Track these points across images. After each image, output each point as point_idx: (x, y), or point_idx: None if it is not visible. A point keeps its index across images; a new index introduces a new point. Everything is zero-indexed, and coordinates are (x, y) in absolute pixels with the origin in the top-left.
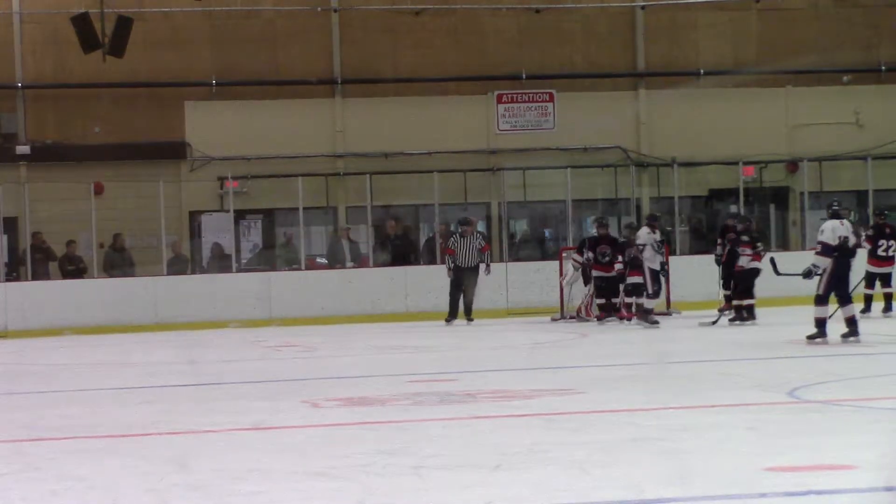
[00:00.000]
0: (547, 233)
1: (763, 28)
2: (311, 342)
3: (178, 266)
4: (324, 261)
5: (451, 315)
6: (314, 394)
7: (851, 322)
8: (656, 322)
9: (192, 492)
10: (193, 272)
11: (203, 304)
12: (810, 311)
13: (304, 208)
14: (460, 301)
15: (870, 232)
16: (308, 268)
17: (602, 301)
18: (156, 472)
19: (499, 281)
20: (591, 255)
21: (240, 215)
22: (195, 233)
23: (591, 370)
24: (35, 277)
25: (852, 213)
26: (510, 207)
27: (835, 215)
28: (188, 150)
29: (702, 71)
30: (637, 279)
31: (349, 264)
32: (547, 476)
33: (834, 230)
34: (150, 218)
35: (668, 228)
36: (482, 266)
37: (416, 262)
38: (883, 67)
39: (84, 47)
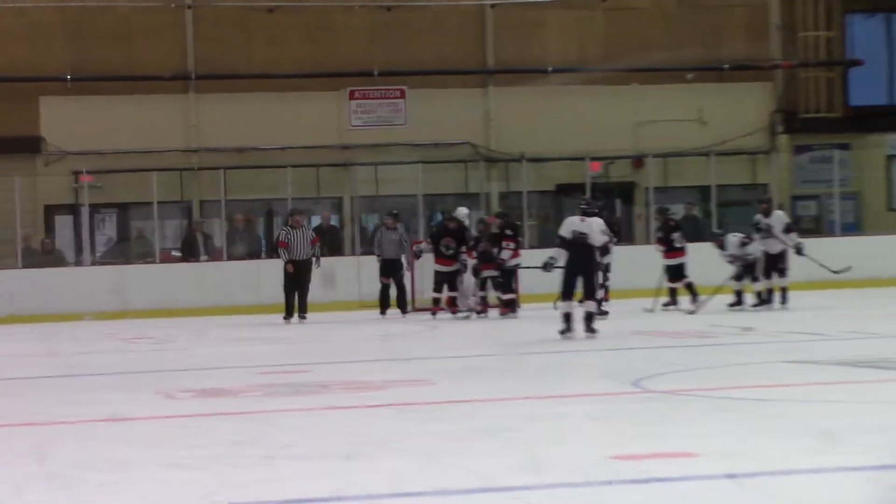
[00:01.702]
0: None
1: (609, 27)
2: (166, 334)
3: (32, 259)
4: (178, 254)
5: (288, 311)
6: (168, 385)
7: (589, 317)
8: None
9: (49, 482)
10: (50, 265)
11: (58, 296)
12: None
13: (159, 202)
14: (296, 297)
15: (660, 234)
16: (162, 261)
17: (439, 295)
18: (13, 463)
19: (351, 273)
20: (430, 245)
21: (94, 209)
22: (50, 227)
23: (441, 361)
24: None
25: (696, 207)
26: (362, 202)
27: (583, 213)
28: (43, 144)
29: (550, 69)
30: (492, 272)
31: (203, 257)
32: (398, 465)
33: (570, 224)
34: (4, 212)
35: (518, 223)
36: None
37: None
38: (725, 66)
39: None
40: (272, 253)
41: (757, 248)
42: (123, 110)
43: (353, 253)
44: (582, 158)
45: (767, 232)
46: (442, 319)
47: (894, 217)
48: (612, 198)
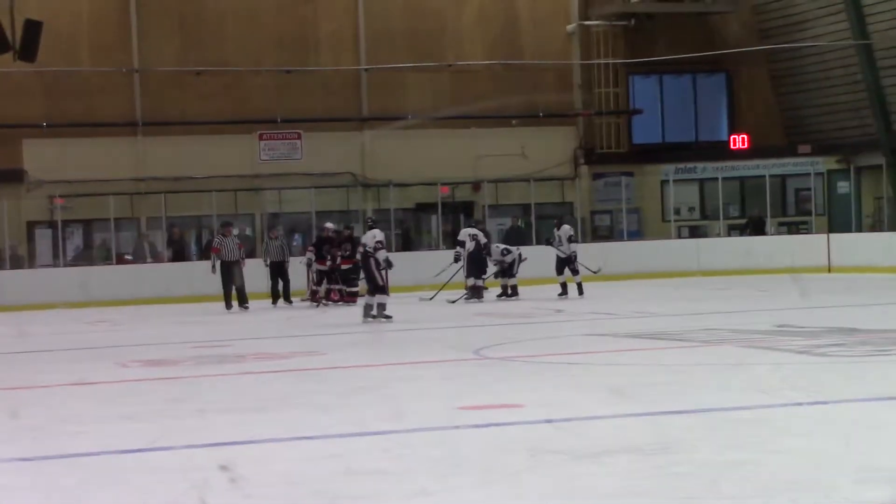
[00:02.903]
0: (296, 237)
1: (454, 84)
2: (120, 319)
3: (17, 262)
4: (130, 258)
5: (227, 303)
6: (122, 357)
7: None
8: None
9: (28, 432)
10: (30, 267)
11: (37, 290)
12: (488, 293)
13: (115, 219)
14: (233, 290)
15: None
16: (118, 263)
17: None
18: None
19: (263, 272)
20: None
21: (65, 224)
22: (31, 238)
23: (331, 337)
24: None
25: (520, 220)
26: (269, 218)
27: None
28: (25, 175)
29: (410, 115)
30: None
31: (149, 260)
32: (297, 417)
33: (374, 236)
34: None
35: (386, 232)
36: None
37: (194, 259)
38: (541, 114)
39: None
40: (203, 256)
41: (514, 255)
42: (87, 149)
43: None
44: (434, 183)
45: (559, 241)
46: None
47: (667, 226)
48: (458, 213)
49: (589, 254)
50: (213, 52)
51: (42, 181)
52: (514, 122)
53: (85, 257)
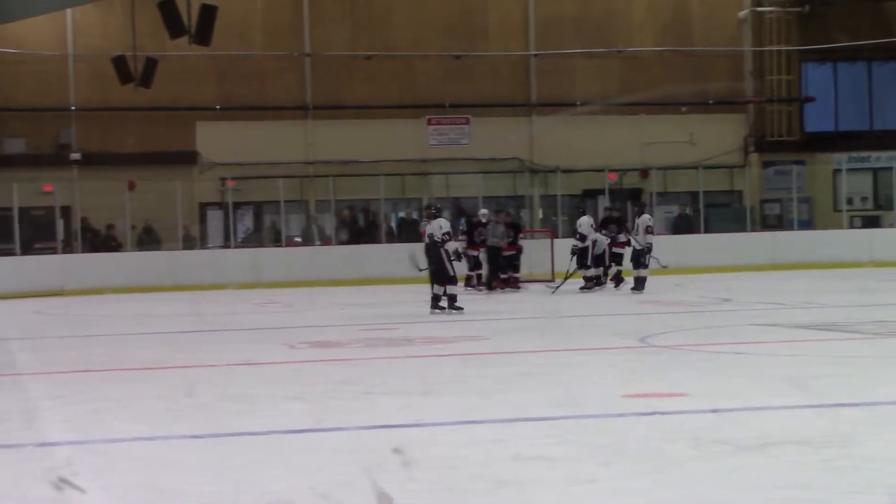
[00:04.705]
0: (462, 221)
1: (623, 71)
2: (289, 300)
3: (189, 242)
4: (299, 240)
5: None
6: (290, 338)
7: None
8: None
9: (199, 411)
10: (202, 247)
11: (208, 271)
12: (659, 281)
13: (284, 201)
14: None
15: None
16: (287, 245)
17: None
18: (172, 396)
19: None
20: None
21: (236, 206)
22: (203, 219)
23: (495, 322)
24: (84, 251)
25: (687, 208)
26: (435, 202)
27: (431, 216)
28: (198, 157)
29: (578, 102)
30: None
31: (317, 243)
32: (462, 400)
33: (441, 227)
34: (169, 208)
35: (553, 218)
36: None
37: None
38: (710, 101)
39: (121, 80)
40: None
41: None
42: (258, 132)
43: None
44: (602, 170)
45: (636, 231)
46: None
47: (839, 216)
48: (625, 200)
49: (664, 247)
50: (383, 37)
51: (214, 163)
52: (683, 109)
53: (254, 239)
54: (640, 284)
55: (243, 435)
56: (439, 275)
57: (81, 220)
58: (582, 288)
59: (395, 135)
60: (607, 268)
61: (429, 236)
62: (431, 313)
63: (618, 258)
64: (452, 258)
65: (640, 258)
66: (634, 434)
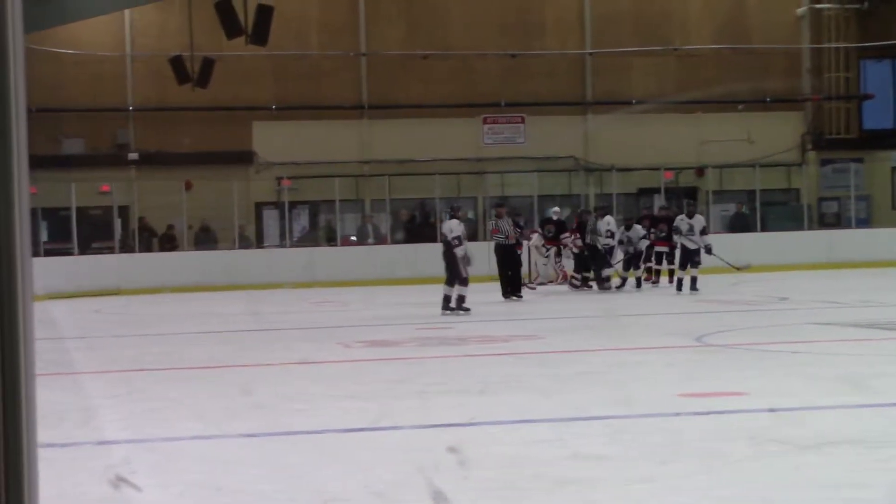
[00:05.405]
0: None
1: (679, 69)
2: (344, 299)
3: (245, 242)
4: (354, 239)
5: (504, 290)
6: (345, 337)
7: (460, 299)
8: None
9: (256, 409)
10: (258, 247)
11: (264, 270)
12: (712, 280)
13: (340, 200)
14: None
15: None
16: (343, 244)
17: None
18: (229, 395)
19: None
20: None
21: (292, 205)
22: (259, 219)
23: (549, 321)
24: (141, 250)
25: (744, 206)
26: (492, 201)
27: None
28: (254, 157)
29: (634, 100)
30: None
31: (372, 242)
32: (517, 399)
33: (452, 229)
34: (226, 207)
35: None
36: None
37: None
38: (768, 99)
39: (178, 81)
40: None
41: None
42: (314, 131)
43: (485, 239)
44: (657, 168)
45: (689, 230)
46: (539, 292)
47: None
48: (681, 198)
49: (723, 246)
50: (438, 36)
51: (270, 163)
52: (740, 107)
53: (310, 238)
54: (694, 284)
55: (299, 434)
56: (450, 274)
57: (139, 219)
58: (571, 285)
59: (450, 134)
60: (647, 266)
61: (442, 236)
62: (443, 314)
63: (659, 257)
64: (461, 259)
65: (694, 258)
66: (691, 433)
